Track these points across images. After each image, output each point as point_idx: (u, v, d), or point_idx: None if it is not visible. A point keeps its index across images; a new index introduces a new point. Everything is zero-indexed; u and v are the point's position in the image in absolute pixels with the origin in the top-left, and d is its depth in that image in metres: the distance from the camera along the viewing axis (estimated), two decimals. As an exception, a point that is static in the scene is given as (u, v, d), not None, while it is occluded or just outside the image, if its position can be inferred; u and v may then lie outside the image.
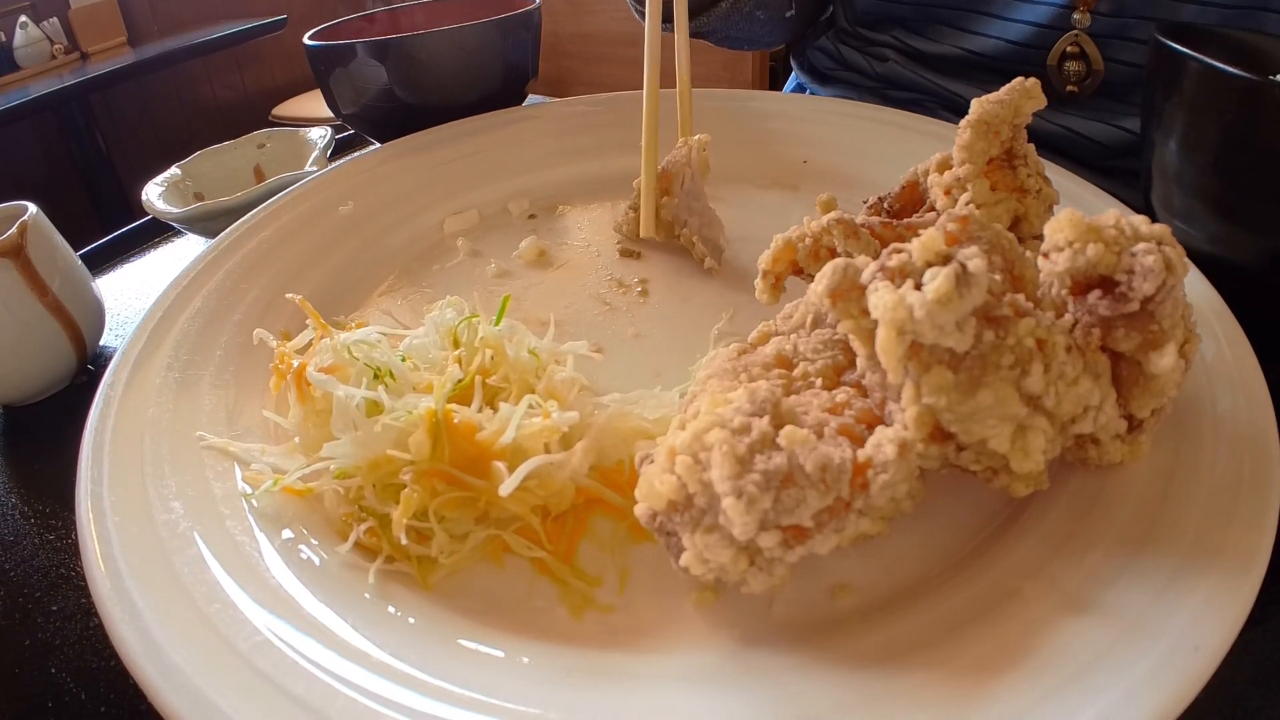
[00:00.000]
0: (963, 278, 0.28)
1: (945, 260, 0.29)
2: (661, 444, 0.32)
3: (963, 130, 0.44)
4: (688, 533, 0.30)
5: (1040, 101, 0.44)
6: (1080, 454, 0.35)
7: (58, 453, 0.52)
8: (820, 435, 0.31)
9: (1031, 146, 0.46)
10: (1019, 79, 0.44)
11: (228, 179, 0.76)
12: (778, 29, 0.89)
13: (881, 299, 0.28)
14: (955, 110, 0.81)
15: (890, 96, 0.85)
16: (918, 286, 0.28)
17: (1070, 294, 0.33)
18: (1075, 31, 0.70)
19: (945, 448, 0.32)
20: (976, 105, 0.44)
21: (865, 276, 0.30)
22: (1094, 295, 0.32)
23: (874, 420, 0.33)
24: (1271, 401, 0.38)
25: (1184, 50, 0.47)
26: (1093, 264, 0.31)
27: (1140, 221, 0.31)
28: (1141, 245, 0.30)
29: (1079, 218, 0.31)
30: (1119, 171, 0.73)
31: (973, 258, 0.28)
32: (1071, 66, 0.71)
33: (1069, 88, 0.72)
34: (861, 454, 0.30)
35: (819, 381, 0.36)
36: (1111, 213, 0.31)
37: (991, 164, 0.45)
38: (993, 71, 0.76)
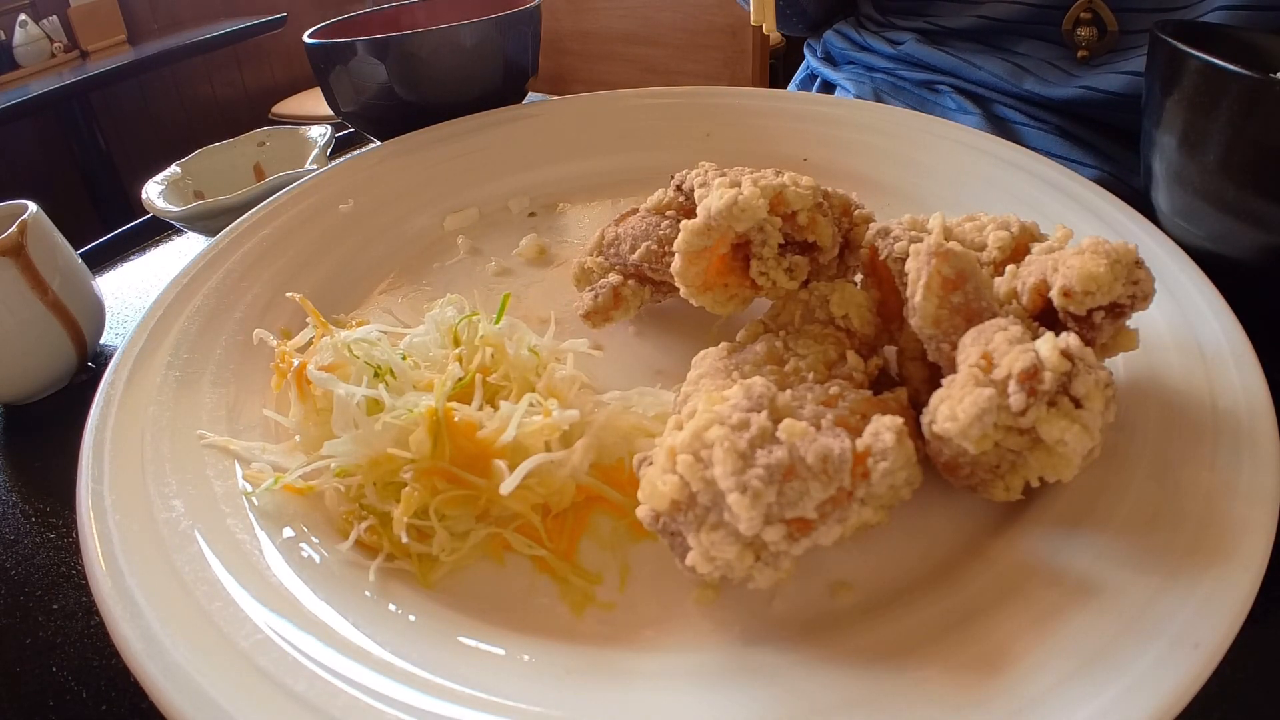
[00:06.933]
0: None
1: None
2: (659, 445, 0.32)
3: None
4: (693, 532, 0.30)
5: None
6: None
7: (58, 451, 0.52)
8: (818, 427, 0.31)
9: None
10: None
11: (227, 177, 0.76)
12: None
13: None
14: (964, 91, 0.82)
15: (903, 77, 0.86)
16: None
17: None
18: None
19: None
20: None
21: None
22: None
23: (868, 410, 0.33)
24: (1272, 401, 0.38)
25: (1185, 48, 0.47)
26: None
27: None
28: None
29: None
30: (1130, 130, 0.73)
31: None
32: (1082, 32, 0.73)
33: (1080, 52, 0.74)
34: (860, 443, 0.30)
35: (810, 376, 0.36)
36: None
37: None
38: (1011, 35, 0.78)
